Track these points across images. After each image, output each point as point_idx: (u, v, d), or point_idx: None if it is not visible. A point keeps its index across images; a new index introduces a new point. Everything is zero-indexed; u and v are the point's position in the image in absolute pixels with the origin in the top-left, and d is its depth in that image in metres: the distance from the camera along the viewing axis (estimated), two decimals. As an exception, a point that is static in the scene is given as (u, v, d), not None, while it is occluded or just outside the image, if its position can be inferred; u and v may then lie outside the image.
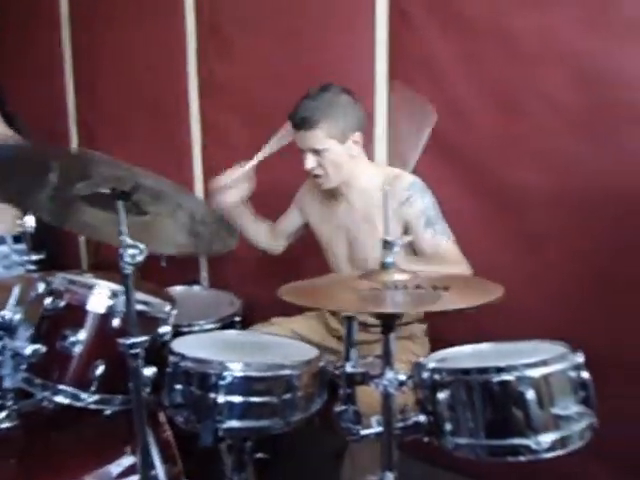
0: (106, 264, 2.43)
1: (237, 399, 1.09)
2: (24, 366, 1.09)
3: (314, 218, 1.60)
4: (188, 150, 2.23)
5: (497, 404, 0.92)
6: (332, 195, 1.53)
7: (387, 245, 0.93)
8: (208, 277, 2.24)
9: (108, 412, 1.23)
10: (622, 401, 1.45)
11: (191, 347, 1.19)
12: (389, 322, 0.91)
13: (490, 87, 1.61)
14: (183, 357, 1.13)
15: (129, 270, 0.92)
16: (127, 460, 1.22)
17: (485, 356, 1.06)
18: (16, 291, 1.12)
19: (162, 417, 1.27)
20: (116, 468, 1.22)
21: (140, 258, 0.91)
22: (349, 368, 0.96)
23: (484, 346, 1.10)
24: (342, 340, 1.49)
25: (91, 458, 1.22)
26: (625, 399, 1.47)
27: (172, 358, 1.14)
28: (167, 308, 1.22)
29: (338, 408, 0.96)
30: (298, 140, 1.43)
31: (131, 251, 0.91)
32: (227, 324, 1.68)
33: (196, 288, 2.03)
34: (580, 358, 0.96)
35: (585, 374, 0.94)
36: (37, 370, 1.11)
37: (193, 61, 2.16)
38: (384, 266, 0.94)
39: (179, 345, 1.19)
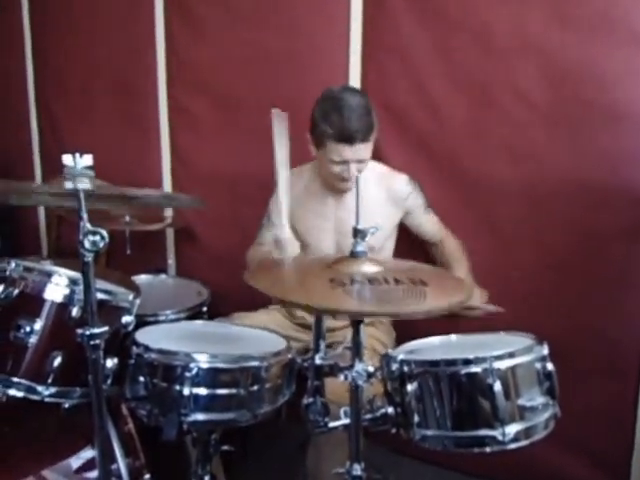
0: (68, 251, 2.36)
1: (203, 391, 1.07)
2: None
3: (297, 210, 1.54)
4: (156, 133, 2.15)
5: (464, 396, 0.93)
6: (324, 189, 1.53)
7: (359, 233, 0.91)
8: (175, 265, 2.18)
9: (67, 405, 1.18)
10: (584, 390, 1.50)
11: (156, 338, 1.15)
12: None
13: (463, 79, 1.62)
14: (147, 348, 1.09)
15: (89, 257, 0.88)
16: (87, 453, 1.19)
17: (453, 348, 1.06)
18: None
19: (124, 409, 1.23)
20: (76, 462, 1.18)
21: (101, 245, 0.87)
22: (318, 360, 0.95)
23: (452, 338, 1.11)
24: (307, 328, 1.52)
25: (49, 452, 1.19)
26: (587, 389, 1.52)
27: (135, 349, 1.11)
28: (130, 297, 1.18)
29: (306, 400, 0.95)
30: (345, 153, 1.36)
31: (91, 237, 0.87)
32: (194, 314, 1.64)
33: (162, 277, 1.97)
34: (545, 350, 0.98)
35: (550, 365, 0.96)
36: (-11, 362, 1.06)
37: (161, 41, 2.08)
38: (355, 255, 0.93)
39: (143, 336, 1.15)
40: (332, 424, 0.94)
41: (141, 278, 1.86)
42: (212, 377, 1.07)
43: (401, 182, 1.54)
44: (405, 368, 0.95)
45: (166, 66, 2.08)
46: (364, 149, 1.39)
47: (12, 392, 1.06)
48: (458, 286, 1.00)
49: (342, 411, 0.94)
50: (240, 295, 1.76)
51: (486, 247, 1.65)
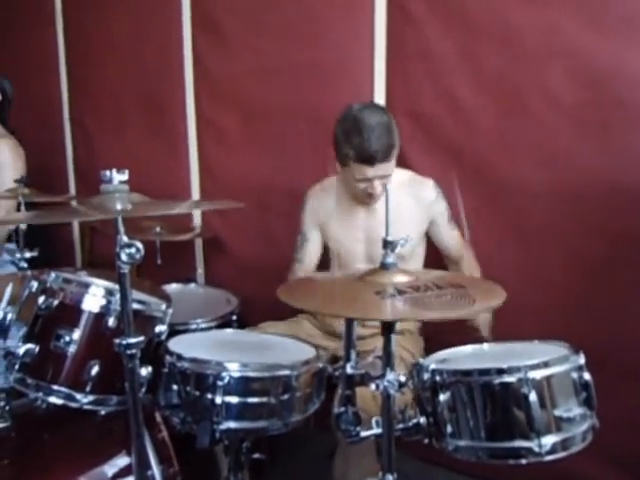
0: (100, 261, 2.42)
1: (234, 400, 1.08)
2: (17, 366, 1.07)
3: (329, 223, 1.59)
4: (184, 146, 2.20)
5: (498, 406, 0.91)
6: (353, 200, 1.54)
7: (388, 245, 0.91)
8: (204, 275, 2.22)
9: (103, 412, 1.21)
10: (621, 400, 1.45)
11: (187, 347, 1.17)
12: (390, 323, 0.90)
13: (491, 84, 1.60)
14: (180, 357, 1.11)
15: (125, 269, 0.91)
16: (122, 460, 1.21)
17: (486, 357, 1.05)
18: (8, 290, 1.10)
19: (158, 417, 1.25)
20: (111, 468, 1.20)
21: (137, 257, 0.90)
22: (349, 369, 0.95)
23: (484, 346, 1.09)
24: (336, 336, 1.53)
25: (85, 458, 1.21)
26: (624, 398, 1.47)
27: (168, 358, 1.13)
28: (163, 307, 1.20)
29: (337, 410, 0.95)
30: (367, 172, 1.38)
31: (128, 250, 0.89)
32: (224, 323, 1.66)
33: (192, 286, 2.00)
34: (581, 359, 0.96)
35: (587, 375, 0.94)
36: (30, 370, 1.09)
37: (189, 56, 2.14)
38: (385, 266, 0.93)
39: (175, 345, 1.17)
40: (364, 433, 0.94)
41: (171, 287, 1.89)
42: (243, 386, 1.08)
43: (428, 186, 1.55)
44: (437, 378, 0.94)
45: (194, 80, 2.13)
46: (386, 167, 1.40)
47: (52, 399, 1.09)
48: (493, 288, 1.00)
49: (374, 421, 0.93)
50: (268, 304, 1.78)
51: (516, 253, 1.63)
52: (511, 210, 1.63)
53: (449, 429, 0.93)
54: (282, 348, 1.28)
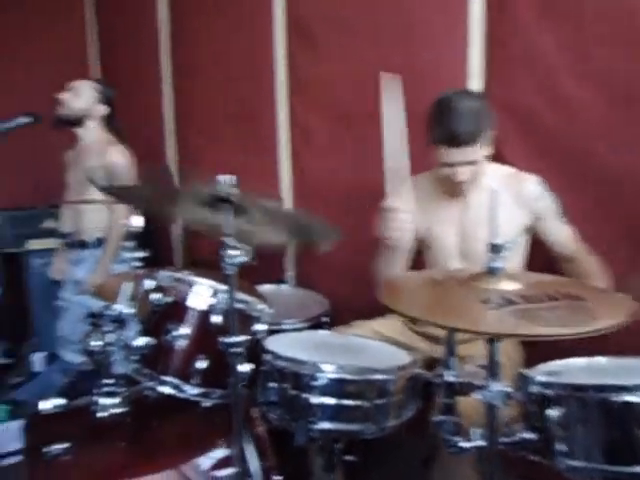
0: (200, 262, 2.57)
1: (330, 401, 1.09)
2: (136, 357, 1.16)
3: (423, 217, 1.56)
4: (276, 151, 2.27)
5: (619, 427, 0.84)
6: (447, 192, 1.51)
7: (495, 249, 0.88)
8: (294, 276, 2.27)
9: (205, 404, 1.28)
10: None
11: (283, 346, 1.21)
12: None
13: (599, 75, 1.48)
14: (277, 356, 1.15)
15: (232, 270, 0.95)
16: (221, 452, 1.26)
17: (602, 372, 0.96)
18: (128, 287, 1.20)
19: (255, 412, 1.30)
20: (210, 459, 1.26)
21: (243, 259, 0.94)
22: (450, 377, 0.92)
23: (601, 360, 1.01)
24: (428, 338, 1.49)
25: (188, 448, 1.28)
26: None
27: (266, 356, 1.17)
28: (262, 306, 1.25)
29: (437, 418, 0.93)
30: (451, 156, 1.38)
31: (234, 252, 0.94)
32: (315, 324, 1.69)
33: (283, 287, 2.06)
34: None
35: None
36: (145, 361, 1.18)
37: (281, 61, 2.19)
38: (492, 271, 0.89)
39: (273, 343, 1.21)
40: (466, 445, 0.91)
41: (263, 288, 1.96)
42: (338, 388, 1.09)
43: (532, 182, 1.48)
44: (546, 391, 0.89)
45: (286, 86, 2.19)
46: (471, 152, 1.37)
47: (163, 389, 1.18)
48: (618, 301, 0.91)
49: (476, 432, 0.90)
50: (358, 306, 1.79)
51: (628, 256, 1.49)
52: (622, 208, 1.50)
53: (560, 447, 0.87)
54: (376, 352, 1.27)
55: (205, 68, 2.56)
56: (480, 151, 1.39)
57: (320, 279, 2.13)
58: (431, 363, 1.24)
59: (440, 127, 1.37)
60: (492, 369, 0.86)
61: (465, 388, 0.91)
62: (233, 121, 2.43)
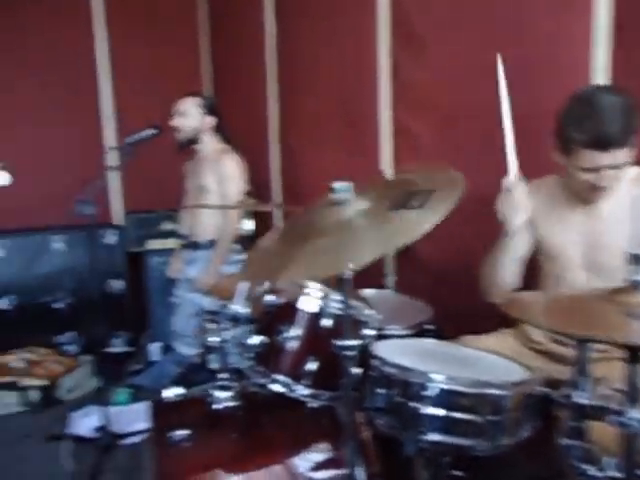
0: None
1: (440, 412, 1.07)
2: (250, 354, 1.22)
3: (544, 224, 1.46)
4: (378, 155, 2.26)
5: None
6: (575, 198, 1.40)
7: (637, 260, 0.80)
8: (394, 282, 2.25)
9: (311, 405, 1.31)
10: None
11: (391, 352, 1.20)
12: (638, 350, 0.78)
13: None
14: (385, 362, 1.14)
15: (348, 275, 0.96)
16: (324, 454, 1.28)
17: None
18: (244, 288, 1.27)
19: (360, 417, 1.31)
20: (312, 459, 1.28)
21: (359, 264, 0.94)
22: (581, 399, 0.85)
23: None
24: (543, 355, 1.40)
25: (293, 446, 1.32)
26: None
27: (374, 362, 1.17)
28: (370, 311, 1.25)
29: (564, 441, 0.86)
30: (597, 159, 1.25)
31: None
32: (419, 332, 1.65)
33: (384, 292, 2.05)
34: None
35: None
36: (259, 359, 1.24)
37: (386, 67, 2.19)
38: (635, 285, 0.81)
39: (380, 349, 1.21)
40: (596, 474, 0.83)
41: (365, 292, 1.96)
42: (449, 399, 1.06)
43: None
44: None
45: (390, 88, 2.18)
46: (620, 155, 1.23)
47: (274, 387, 1.23)
48: None
49: (610, 462, 0.82)
50: (462, 314, 1.72)
51: None
52: None
53: None
54: (489, 365, 1.22)
55: (309, 74, 2.63)
56: (628, 153, 1.25)
57: (420, 286, 2.08)
58: (552, 384, 1.15)
59: (584, 128, 1.23)
60: (632, 393, 0.78)
61: (598, 412, 0.84)
62: (336, 126, 2.48)
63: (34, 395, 2.48)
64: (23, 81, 3.06)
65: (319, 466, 1.26)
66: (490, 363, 1.23)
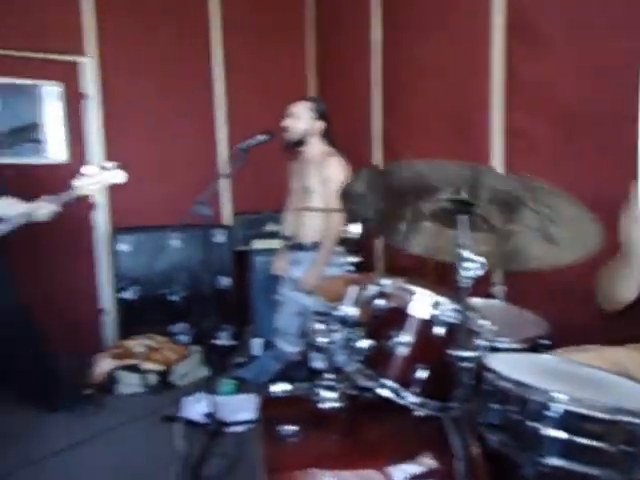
0: (400, 270, 2.61)
1: (562, 435, 0.99)
2: (359, 357, 1.23)
3: None
4: (489, 154, 2.17)
5: None
6: None
7: None
8: (503, 291, 2.13)
9: (417, 414, 1.28)
10: None
11: (507, 366, 1.14)
12: None
13: None
14: (501, 376, 1.09)
15: (465, 283, 0.93)
16: (428, 464, 1.25)
17: None
18: (354, 291, 1.28)
19: (471, 432, 1.25)
20: (409, 471, 1.24)
21: (479, 272, 0.91)
22: None
23: None
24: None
25: (394, 453, 1.29)
26: None
27: (488, 375, 1.11)
28: (484, 322, 1.20)
29: None
30: None
31: (469, 264, 0.92)
32: (534, 346, 1.55)
33: (493, 302, 1.94)
34: None
35: None
36: (367, 362, 1.24)
37: (499, 67, 2.10)
38: None
39: (495, 362, 1.15)
40: None
41: (474, 301, 1.88)
42: (574, 422, 0.99)
43: None
44: None
45: (502, 86, 2.09)
46: None
47: (382, 392, 1.22)
48: None
49: None
50: (579, 330, 1.58)
51: None
52: None
53: None
54: (619, 388, 1.10)
55: (415, 78, 2.60)
56: None
57: (532, 298, 1.95)
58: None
59: None
60: None
61: None
62: (445, 125, 2.42)
63: (152, 378, 2.72)
64: (148, 92, 3.36)
65: (415, 478, 1.23)
66: (620, 386, 1.12)
